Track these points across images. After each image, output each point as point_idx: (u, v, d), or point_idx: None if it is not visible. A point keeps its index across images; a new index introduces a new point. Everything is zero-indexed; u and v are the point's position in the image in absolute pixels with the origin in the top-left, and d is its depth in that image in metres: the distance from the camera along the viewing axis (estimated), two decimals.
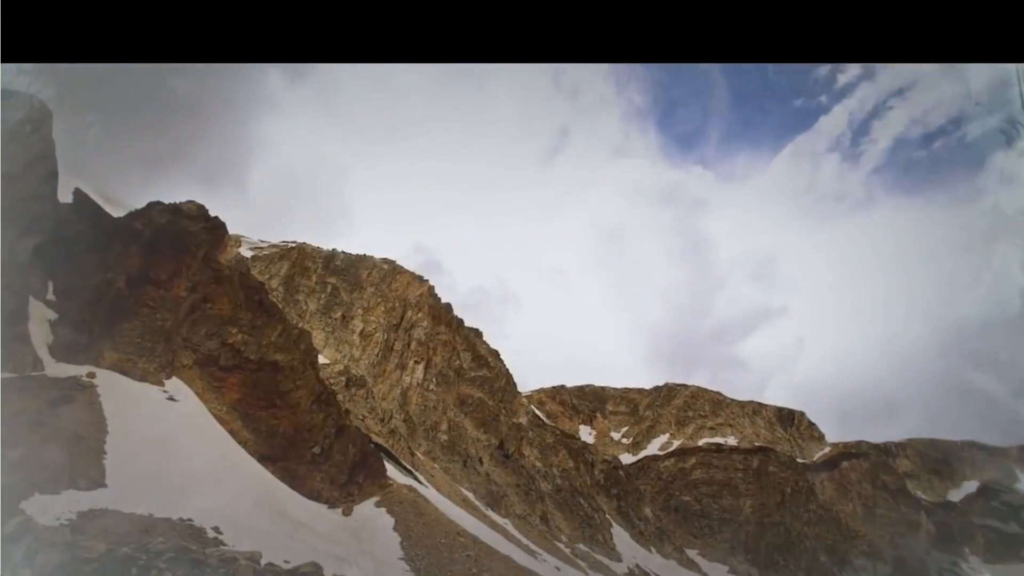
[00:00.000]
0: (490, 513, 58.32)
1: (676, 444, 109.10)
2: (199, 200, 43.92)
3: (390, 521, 38.10)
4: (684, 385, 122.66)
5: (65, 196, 48.52)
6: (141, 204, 43.23)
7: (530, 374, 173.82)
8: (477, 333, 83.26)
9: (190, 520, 25.92)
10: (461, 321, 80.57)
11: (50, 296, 38.34)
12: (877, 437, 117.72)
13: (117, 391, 33.93)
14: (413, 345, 72.62)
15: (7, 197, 30.83)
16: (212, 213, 42.43)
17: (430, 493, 47.61)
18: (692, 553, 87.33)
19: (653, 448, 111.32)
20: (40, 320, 35.62)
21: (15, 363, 32.19)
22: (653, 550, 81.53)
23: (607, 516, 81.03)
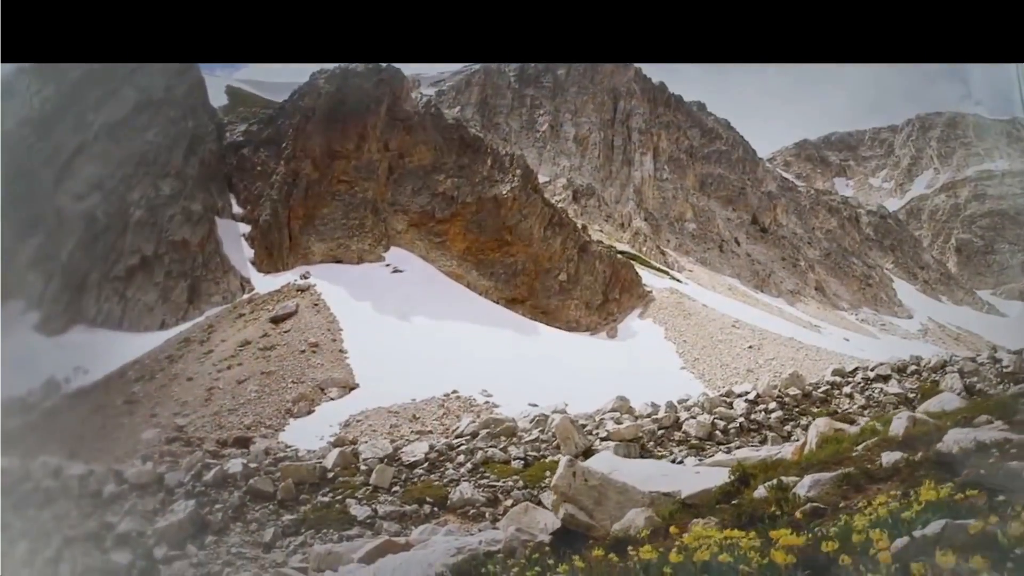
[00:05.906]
0: (760, 296, 53.87)
1: (943, 179, 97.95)
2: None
3: (659, 331, 34.44)
4: (939, 113, 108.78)
5: (218, 99, 45.63)
6: (302, 80, 40.43)
7: (763, 137, 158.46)
8: (701, 106, 75.79)
9: (455, 392, 23.64)
10: (679, 97, 73.23)
11: (236, 209, 35.85)
12: None
13: (338, 282, 31.96)
14: (634, 136, 66.57)
15: None
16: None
17: (691, 289, 43.37)
18: (985, 294, 79.18)
19: (919, 188, 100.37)
20: (233, 238, 33.66)
21: (222, 293, 30.57)
22: (944, 299, 74.60)
23: (885, 272, 74.00)
